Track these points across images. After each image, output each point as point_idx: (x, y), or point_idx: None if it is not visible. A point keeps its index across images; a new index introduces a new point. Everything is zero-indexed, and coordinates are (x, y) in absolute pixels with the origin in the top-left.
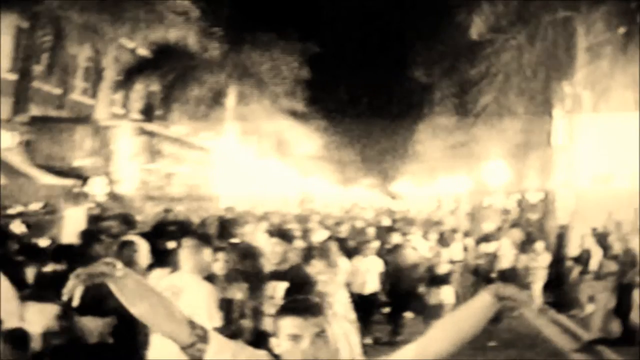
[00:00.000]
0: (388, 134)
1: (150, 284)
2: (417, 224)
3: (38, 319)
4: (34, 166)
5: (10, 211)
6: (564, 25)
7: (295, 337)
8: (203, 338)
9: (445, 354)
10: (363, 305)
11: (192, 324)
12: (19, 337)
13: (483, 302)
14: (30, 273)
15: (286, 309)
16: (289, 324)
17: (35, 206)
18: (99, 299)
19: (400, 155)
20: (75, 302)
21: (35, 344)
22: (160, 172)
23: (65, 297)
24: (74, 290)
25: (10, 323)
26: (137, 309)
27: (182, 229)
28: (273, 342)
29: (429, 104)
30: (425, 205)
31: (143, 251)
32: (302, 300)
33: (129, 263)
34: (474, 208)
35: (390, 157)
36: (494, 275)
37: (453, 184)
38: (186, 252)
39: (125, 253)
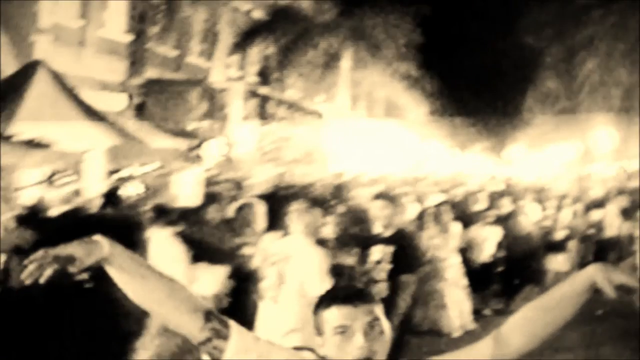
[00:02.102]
0: (499, 99)
1: (153, 265)
2: (528, 189)
3: (210, 281)
4: (148, 129)
5: (123, 174)
6: None
7: (344, 331)
8: (220, 333)
9: (530, 349)
10: (479, 273)
11: (208, 316)
12: None
13: (584, 285)
14: (152, 235)
15: (330, 298)
16: (336, 315)
17: (148, 169)
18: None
19: (511, 120)
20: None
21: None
22: (273, 135)
23: (27, 282)
24: (35, 275)
25: None
26: (137, 295)
27: (294, 192)
28: (317, 341)
29: (538, 70)
30: (536, 170)
31: (260, 214)
32: (347, 287)
33: (246, 225)
34: (582, 175)
35: (501, 122)
36: (600, 243)
37: (561, 150)
38: (297, 215)
39: (243, 215)
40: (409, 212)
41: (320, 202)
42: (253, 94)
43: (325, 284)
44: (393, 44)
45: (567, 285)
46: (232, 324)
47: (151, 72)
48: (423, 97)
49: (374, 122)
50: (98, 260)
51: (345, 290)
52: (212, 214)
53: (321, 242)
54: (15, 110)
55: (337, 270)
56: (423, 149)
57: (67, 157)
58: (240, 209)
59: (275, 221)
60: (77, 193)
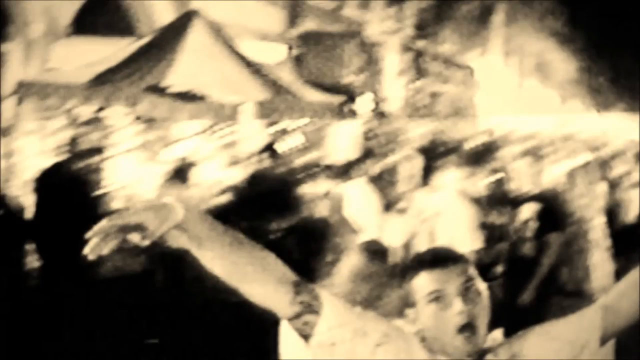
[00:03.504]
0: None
1: (236, 232)
2: None
3: (399, 231)
4: (304, 82)
5: (279, 127)
6: None
7: (439, 297)
8: (311, 307)
9: None
10: (621, 235)
11: (297, 287)
12: (377, 248)
13: None
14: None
15: (416, 264)
16: (426, 280)
17: (301, 123)
18: None
19: None
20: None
21: (394, 257)
22: (426, 90)
23: (91, 257)
24: (101, 251)
25: (370, 234)
26: (217, 266)
27: (446, 149)
28: (410, 314)
29: None
30: None
31: (417, 168)
32: (435, 250)
33: (401, 180)
34: None
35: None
36: None
37: None
38: (448, 171)
39: (399, 170)
40: (557, 171)
41: (472, 159)
42: (408, 47)
43: (476, 241)
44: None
45: None
46: (324, 295)
47: (308, 24)
48: (571, 54)
49: (523, 78)
50: (171, 228)
51: (431, 253)
52: (367, 168)
53: (472, 200)
54: (170, 62)
55: (487, 228)
56: (567, 108)
57: (223, 109)
58: (397, 163)
59: (427, 177)
60: (233, 146)
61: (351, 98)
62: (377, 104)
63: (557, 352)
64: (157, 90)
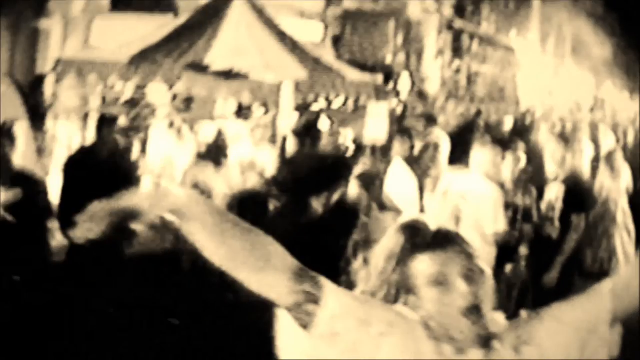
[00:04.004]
0: None
1: (235, 217)
2: None
3: (436, 211)
4: (343, 61)
5: (315, 107)
6: None
7: (441, 279)
8: (312, 296)
9: None
10: None
11: (299, 275)
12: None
13: None
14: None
15: (417, 246)
16: (427, 263)
17: (339, 102)
18: None
19: None
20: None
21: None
22: (465, 70)
23: (78, 241)
24: (88, 234)
25: (411, 214)
26: (215, 254)
27: (478, 130)
28: (412, 302)
29: None
30: None
31: (444, 149)
32: (430, 232)
33: (430, 160)
34: None
35: None
36: None
37: None
38: (479, 153)
39: (428, 150)
40: (583, 153)
41: (504, 140)
42: (448, 27)
43: (500, 222)
44: None
45: None
46: (326, 283)
47: (349, 3)
48: (605, 36)
49: (559, 59)
50: (167, 213)
51: (427, 234)
52: (405, 147)
53: (499, 181)
54: (211, 40)
55: (513, 209)
56: (603, 89)
57: (263, 87)
58: (433, 143)
59: (457, 157)
60: (272, 124)
61: (391, 77)
62: (415, 83)
63: (566, 337)
64: (197, 68)
